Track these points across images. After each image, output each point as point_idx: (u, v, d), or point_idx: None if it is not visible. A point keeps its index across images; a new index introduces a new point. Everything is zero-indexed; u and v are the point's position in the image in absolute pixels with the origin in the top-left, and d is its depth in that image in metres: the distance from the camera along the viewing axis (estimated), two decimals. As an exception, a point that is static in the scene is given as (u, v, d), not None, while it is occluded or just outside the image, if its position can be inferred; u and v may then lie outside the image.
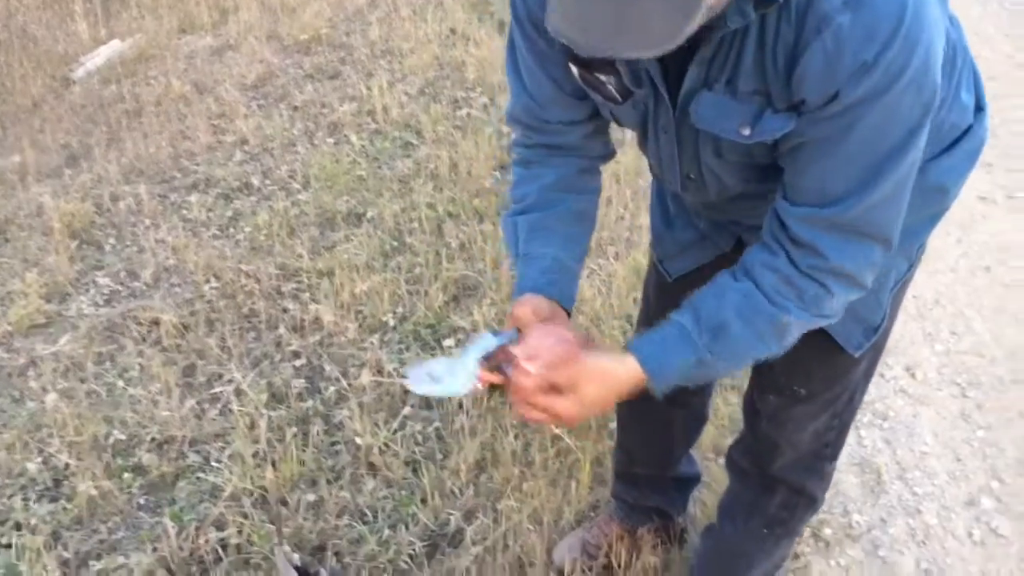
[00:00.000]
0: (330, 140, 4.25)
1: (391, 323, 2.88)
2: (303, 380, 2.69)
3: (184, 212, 3.80)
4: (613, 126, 1.44)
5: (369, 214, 3.51)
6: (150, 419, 2.60)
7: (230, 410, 2.61)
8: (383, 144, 4.09)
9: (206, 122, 4.61)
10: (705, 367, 1.26)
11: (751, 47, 1.12)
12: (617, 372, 1.26)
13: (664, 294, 1.70)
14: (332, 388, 2.64)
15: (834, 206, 1.15)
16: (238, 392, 2.67)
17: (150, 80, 5.35)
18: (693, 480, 2.08)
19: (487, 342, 1.29)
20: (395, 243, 3.30)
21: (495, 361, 1.27)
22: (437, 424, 2.44)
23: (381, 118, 4.34)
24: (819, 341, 1.42)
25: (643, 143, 1.42)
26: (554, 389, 1.24)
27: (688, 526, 2.11)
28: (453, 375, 1.26)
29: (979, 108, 1.42)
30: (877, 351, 1.56)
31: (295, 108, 4.66)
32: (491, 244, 3.17)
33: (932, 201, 1.42)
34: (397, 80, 4.77)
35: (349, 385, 2.61)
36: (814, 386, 1.56)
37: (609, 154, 1.51)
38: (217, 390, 2.72)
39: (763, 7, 1.07)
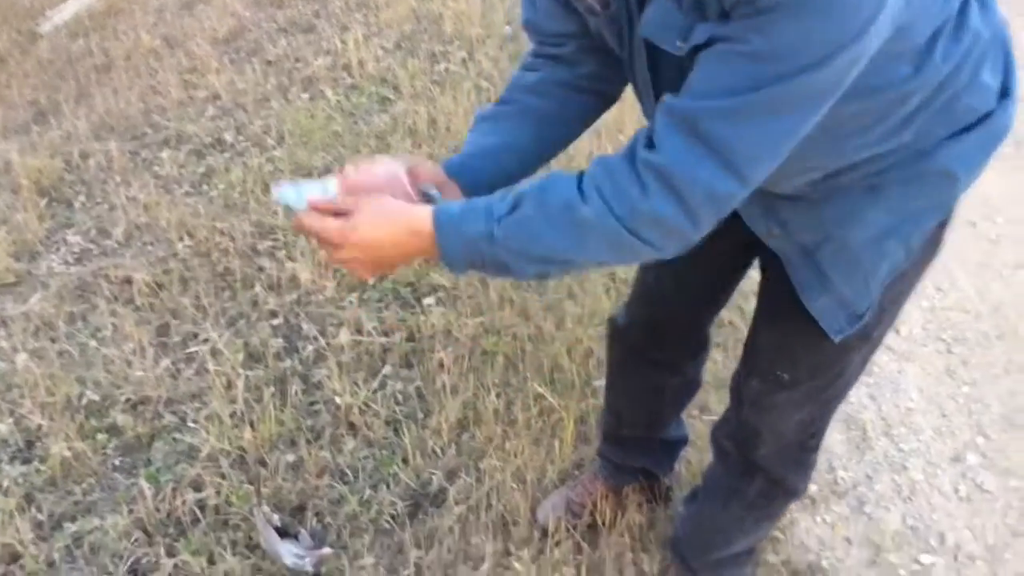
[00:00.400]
0: (305, 95, 4.15)
1: (370, 281, 2.82)
2: (280, 339, 2.64)
3: (156, 169, 3.71)
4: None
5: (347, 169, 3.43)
6: (124, 379, 2.54)
7: (206, 370, 2.55)
8: (359, 99, 4.00)
9: (177, 77, 4.50)
10: (494, 248, 1.13)
11: None
12: (402, 216, 1.15)
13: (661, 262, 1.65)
14: (310, 347, 2.58)
15: (698, 99, 1.03)
16: (214, 352, 2.61)
17: (119, 34, 5.22)
18: (681, 442, 2.04)
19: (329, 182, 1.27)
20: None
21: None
22: (418, 383, 2.40)
23: (357, 73, 4.25)
24: (805, 324, 1.37)
25: (624, 68, 1.36)
26: (338, 214, 1.17)
27: (673, 485, 2.08)
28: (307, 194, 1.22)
29: (1005, 94, 1.28)
30: (870, 345, 1.45)
31: (268, 63, 4.55)
32: (471, 200, 3.11)
33: (937, 187, 1.29)
34: (373, 34, 4.67)
35: (328, 344, 2.56)
36: (799, 373, 1.47)
37: (607, 81, 1.42)
38: (192, 350, 2.66)
39: None
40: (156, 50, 4.88)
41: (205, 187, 3.52)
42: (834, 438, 2.33)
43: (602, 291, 2.62)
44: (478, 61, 4.22)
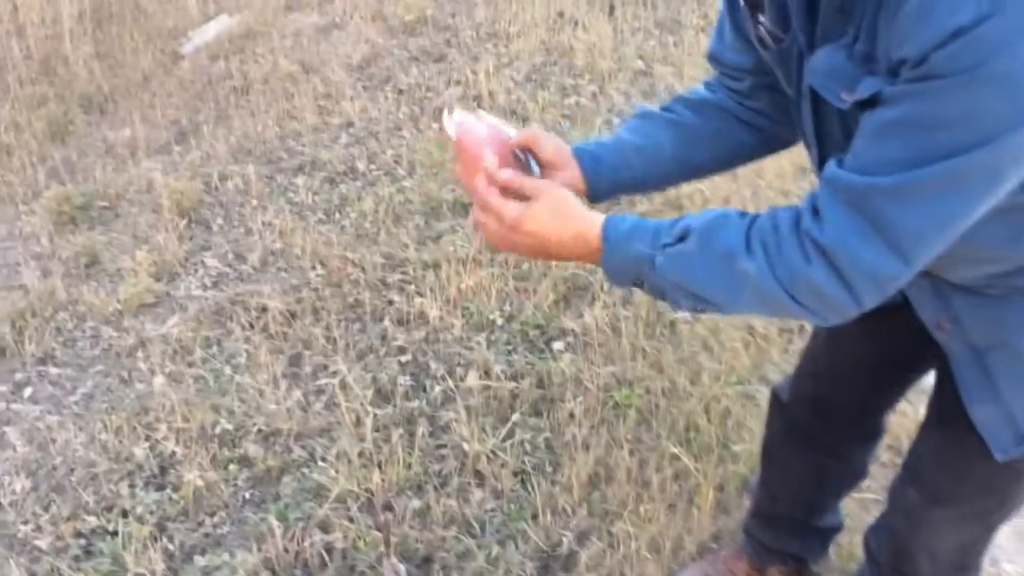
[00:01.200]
0: (436, 126, 4.18)
1: (498, 322, 2.80)
2: (408, 377, 2.64)
3: (291, 195, 3.78)
4: None
5: (476, 205, 3.43)
6: (256, 409, 2.57)
7: (336, 404, 2.57)
8: (490, 131, 4.00)
9: (312, 102, 4.59)
10: (654, 274, 1.10)
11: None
12: (576, 219, 1.13)
13: (843, 327, 1.56)
14: (438, 388, 2.57)
15: (863, 174, 0.97)
16: (343, 385, 2.63)
17: (257, 57, 5.36)
18: (836, 529, 1.92)
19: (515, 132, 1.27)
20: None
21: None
22: (547, 434, 2.36)
23: (487, 103, 4.26)
24: (970, 436, 1.26)
25: (794, 109, 1.27)
26: (514, 194, 1.15)
27: (823, 573, 1.97)
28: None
29: None
30: None
31: (400, 91, 4.60)
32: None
33: None
34: (503, 65, 4.68)
35: (456, 387, 2.54)
36: (959, 490, 1.37)
37: (774, 121, 1.37)
38: (323, 382, 2.68)
39: None
40: (292, 75, 4.99)
41: (337, 215, 3.57)
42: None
43: (740, 346, 2.54)
44: (609, 95, 4.18)
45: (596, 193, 1.34)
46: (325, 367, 2.74)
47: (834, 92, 1.06)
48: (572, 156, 1.30)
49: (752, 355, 2.52)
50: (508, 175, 1.15)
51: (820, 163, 1.23)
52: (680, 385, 2.42)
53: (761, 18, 1.20)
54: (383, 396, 2.58)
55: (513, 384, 2.53)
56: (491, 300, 2.87)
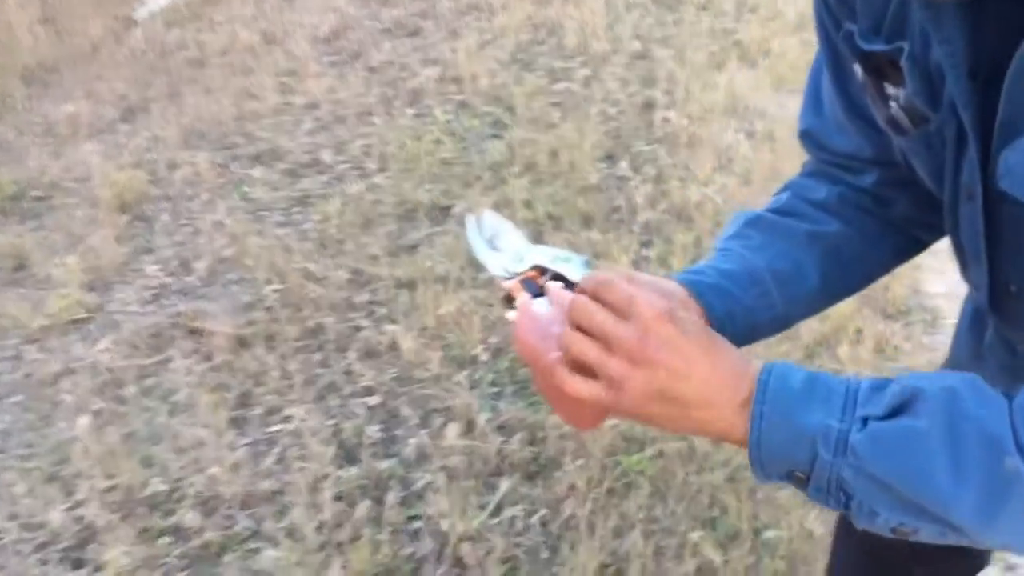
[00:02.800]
0: (410, 111, 3.76)
1: (482, 357, 2.41)
2: (378, 427, 2.25)
3: (246, 189, 3.36)
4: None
5: (456, 208, 3.03)
6: (195, 465, 2.18)
7: (289, 459, 2.18)
8: (470, 121, 3.59)
9: (274, 79, 4.15)
10: (840, 460, 0.69)
11: None
12: (727, 353, 0.73)
13: None
14: (412, 441, 2.18)
15: None
16: (299, 435, 2.23)
17: (215, 26, 4.90)
18: None
19: (570, 269, 0.88)
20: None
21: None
22: (543, 511, 1.98)
23: (468, 87, 3.84)
24: None
25: (944, 212, 0.91)
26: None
27: None
28: (510, 251, 0.89)
29: None
30: None
31: (371, 69, 4.17)
32: (602, 259, 2.67)
33: None
34: (486, 42, 4.25)
35: (433, 442, 2.16)
36: None
37: (926, 227, 1.01)
38: (275, 429, 2.29)
39: None
40: (253, 47, 4.54)
41: (298, 216, 3.16)
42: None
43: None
44: (603, 81, 3.78)
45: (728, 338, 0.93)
46: (278, 409, 2.34)
47: None
48: (686, 293, 0.88)
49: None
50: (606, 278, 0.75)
51: (991, 286, 0.87)
52: (699, 448, 2.05)
53: (891, 90, 0.82)
54: (347, 451, 2.18)
55: (500, 440, 2.15)
56: (474, 330, 2.48)
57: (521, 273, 0.89)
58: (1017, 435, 0.66)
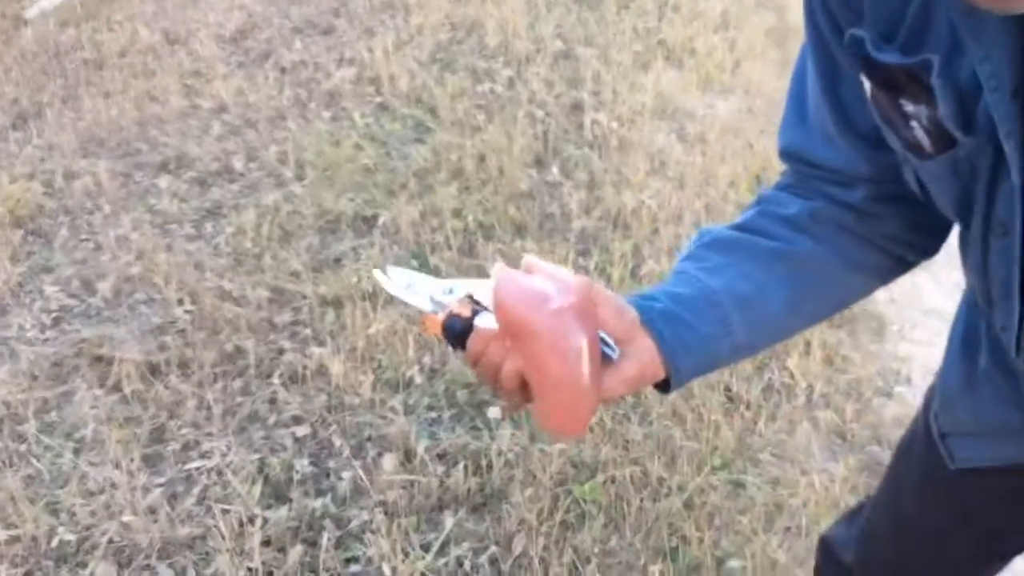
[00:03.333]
0: (326, 114, 3.58)
1: (417, 380, 2.27)
2: (307, 461, 2.08)
3: (151, 201, 3.14)
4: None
5: (381, 219, 2.87)
6: (106, 510, 1.98)
7: (210, 500, 2.00)
8: (392, 125, 3.43)
9: (178, 81, 3.92)
10: None
11: None
12: None
13: (935, 485, 1.09)
14: (346, 475, 2.03)
15: None
16: (220, 473, 2.06)
17: (113, 25, 4.63)
18: None
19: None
20: (416, 262, 2.67)
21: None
22: (493, 549, 1.84)
23: (387, 90, 3.67)
24: None
25: (963, 243, 0.83)
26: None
27: None
28: (431, 291, 0.81)
29: None
30: None
31: (283, 70, 3.97)
32: (537, 272, 2.55)
33: None
34: (404, 42, 4.09)
35: (368, 476, 2.00)
36: None
37: (913, 248, 0.92)
38: (194, 466, 2.10)
39: None
40: (155, 47, 4.29)
41: (210, 229, 2.95)
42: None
43: (720, 416, 2.07)
44: (528, 82, 3.66)
45: (680, 377, 0.82)
46: (196, 444, 2.16)
47: None
48: (638, 321, 0.78)
49: (735, 427, 2.07)
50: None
51: (1020, 330, 0.78)
52: (654, 473, 1.94)
53: (909, 107, 0.72)
54: (274, 489, 2.02)
55: (442, 470, 2.01)
56: (408, 349, 2.33)
57: (452, 302, 0.79)
58: None
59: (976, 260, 0.80)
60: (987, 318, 0.89)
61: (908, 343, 2.46)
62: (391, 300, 2.48)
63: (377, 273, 0.81)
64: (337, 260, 2.73)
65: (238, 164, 3.29)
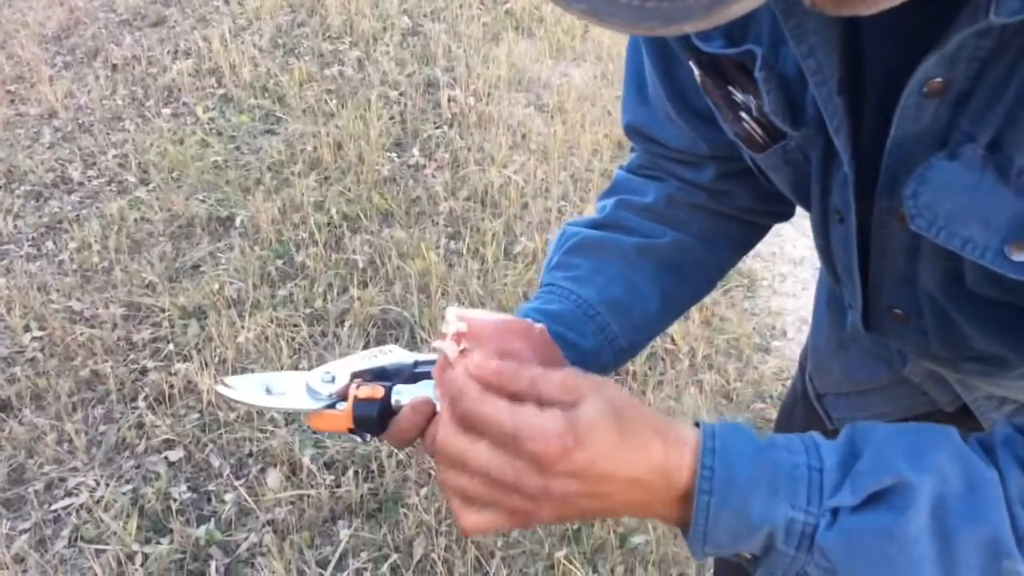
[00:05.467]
0: (166, 111, 3.38)
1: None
2: (185, 487, 1.96)
3: (-19, 221, 2.89)
4: None
5: (238, 219, 2.73)
6: (-35, 567, 1.81)
7: (83, 540, 1.86)
8: (238, 117, 3.26)
9: (-2, 88, 3.62)
10: (803, 557, 0.57)
11: None
12: (647, 442, 0.58)
13: None
14: (228, 497, 1.92)
15: None
16: (89, 510, 1.91)
17: (-85, 30, 4.23)
18: None
19: (395, 356, 0.74)
20: (281, 262, 2.55)
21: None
22: (394, 556, 1.77)
23: (229, 80, 3.50)
24: None
25: (811, 223, 0.82)
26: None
27: None
28: (301, 388, 0.72)
29: None
30: None
31: (114, 67, 3.73)
32: (412, 260, 2.47)
33: None
34: (241, 28, 3.91)
35: (253, 496, 1.90)
36: None
37: (769, 215, 0.92)
38: (61, 506, 1.95)
39: None
40: (-34, 52, 3.95)
41: (52, 245, 2.74)
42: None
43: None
44: (378, 62, 3.54)
45: None
46: (61, 482, 2.00)
47: (991, 247, 0.58)
48: (539, 330, 0.73)
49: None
50: (510, 366, 0.59)
51: (867, 307, 0.78)
52: (548, 457, 1.91)
53: (738, 96, 0.70)
54: (152, 521, 1.89)
55: (331, 479, 1.92)
56: (282, 355, 2.22)
57: (344, 388, 0.71)
58: (1018, 530, 0.54)
59: (819, 242, 0.81)
60: (837, 290, 0.89)
61: (779, 296, 2.50)
62: (258, 304, 2.36)
63: (221, 389, 0.72)
64: (195, 267, 2.57)
65: (75, 173, 3.07)
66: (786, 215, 0.92)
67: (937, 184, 0.59)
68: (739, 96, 0.70)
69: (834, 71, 0.61)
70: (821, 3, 0.50)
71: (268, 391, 0.74)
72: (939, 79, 0.55)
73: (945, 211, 0.59)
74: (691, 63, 0.73)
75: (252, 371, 2.20)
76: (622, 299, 0.84)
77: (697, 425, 0.60)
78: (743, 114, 0.71)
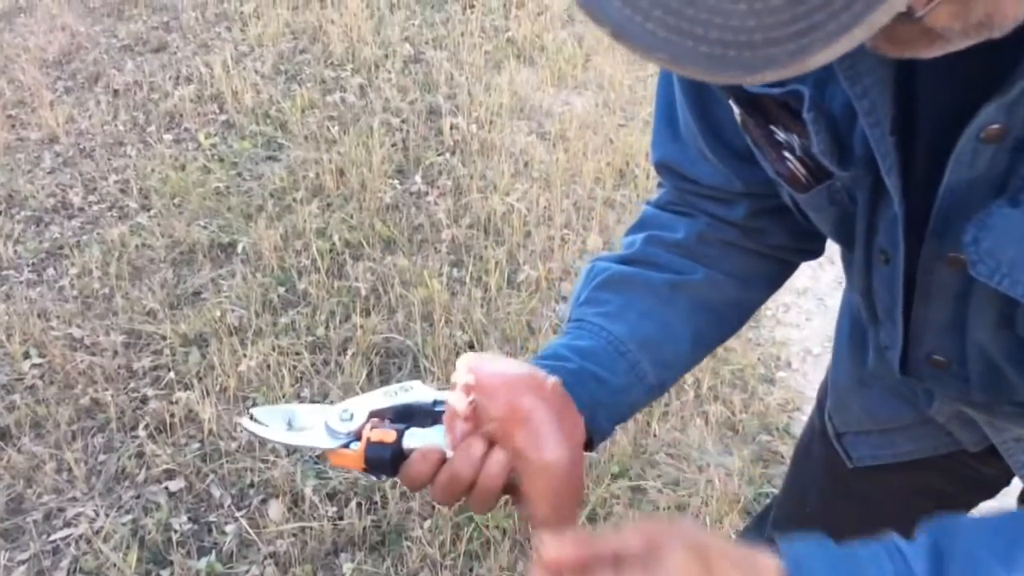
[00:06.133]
0: (168, 137, 3.38)
1: None
2: (186, 517, 1.93)
3: (-19, 246, 2.87)
4: None
5: (240, 245, 2.72)
6: (-39, 599, 1.79)
7: (81, 571, 1.83)
8: (240, 144, 3.26)
9: (0, 112, 3.62)
10: None
11: None
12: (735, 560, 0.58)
13: (836, 484, 1.10)
14: (230, 528, 1.89)
15: None
16: (89, 541, 1.89)
17: (-84, 55, 4.23)
18: None
19: (415, 394, 0.74)
20: (283, 289, 2.54)
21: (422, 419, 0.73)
22: (396, 590, 1.75)
23: (231, 107, 3.50)
24: None
25: (846, 262, 0.83)
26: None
27: None
28: (321, 425, 0.73)
29: None
30: None
31: (115, 92, 3.73)
32: (415, 288, 2.46)
33: None
34: (243, 55, 3.91)
35: (254, 527, 1.88)
36: None
37: (800, 252, 0.91)
38: (60, 536, 1.93)
39: None
40: (-32, 77, 3.95)
41: (52, 272, 2.73)
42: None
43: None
44: (380, 89, 3.55)
45: (600, 436, 0.79)
46: (60, 512, 1.98)
47: None
48: (555, 383, 0.73)
49: (630, 431, 2.04)
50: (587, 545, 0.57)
51: (906, 350, 0.77)
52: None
53: (780, 135, 0.69)
54: (152, 553, 1.86)
55: (333, 511, 1.90)
56: (284, 384, 2.20)
57: (360, 428, 0.71)
58: None
59: (860, 283, 0.80)
60: (872, 331, 0.88)
61: (784, 327, 2.50)
62: (260, 331, 2.34)
63: (245, 422, 0.72)
64: (196, 294, 2.56)
65: (76, 198, 3.06)
66: (817, 253, 0.92)
67: (1000, 231, 0.58)
68: (781, 135, 0.69)
69: (887, 111, 0.60)
70: (884, 47, 0.49)
71: (290, 424, 0.74)
72: (997, 125, 0.54)
73: (1009, 258, 0.59)
74: (731, 101, 0.72)
75: (254, 400, 2.18)
76: (653, 336, 0.83)
77: (776, 546, 0.58)
78: (786, 153, 0.70)
